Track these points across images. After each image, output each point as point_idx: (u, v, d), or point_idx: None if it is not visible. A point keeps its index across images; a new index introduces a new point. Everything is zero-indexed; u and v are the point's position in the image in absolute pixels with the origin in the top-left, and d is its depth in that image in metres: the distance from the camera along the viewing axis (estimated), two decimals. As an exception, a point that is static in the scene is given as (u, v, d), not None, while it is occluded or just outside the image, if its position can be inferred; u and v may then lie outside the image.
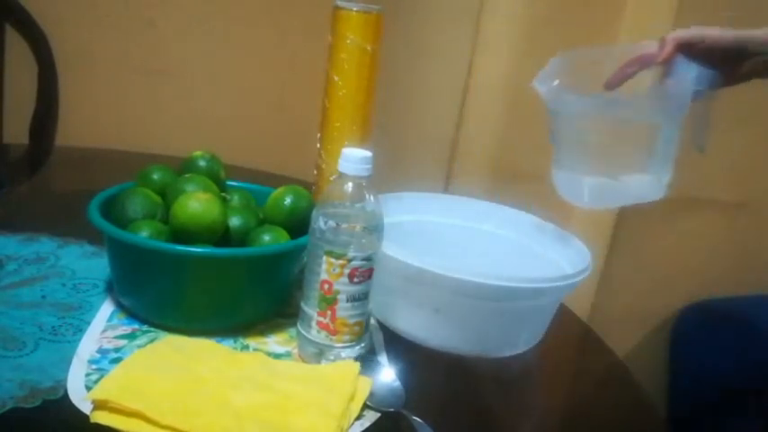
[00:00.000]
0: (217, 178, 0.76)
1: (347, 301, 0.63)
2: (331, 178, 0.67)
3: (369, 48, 0.80)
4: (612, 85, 0.74)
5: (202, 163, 0.77)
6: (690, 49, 0.70)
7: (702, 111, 0.71)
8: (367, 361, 0.65)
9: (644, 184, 0.74)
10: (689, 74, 0.69)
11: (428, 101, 1.23)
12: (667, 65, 0.71)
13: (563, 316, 0.82)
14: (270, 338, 0.69)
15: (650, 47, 0.72)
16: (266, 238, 0.70)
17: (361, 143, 0.80)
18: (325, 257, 0.61)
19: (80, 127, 1.29)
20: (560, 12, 1.11)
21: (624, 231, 1.23)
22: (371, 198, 0.62)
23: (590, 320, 1.20)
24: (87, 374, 0.58)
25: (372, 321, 0.73)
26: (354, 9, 0.79)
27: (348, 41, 0.80)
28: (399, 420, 0.59)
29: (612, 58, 0.74)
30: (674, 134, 0.71)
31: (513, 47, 1.12)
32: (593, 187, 0.75)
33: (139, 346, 0.63)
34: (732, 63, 0.71)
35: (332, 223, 0.61)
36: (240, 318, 0.70)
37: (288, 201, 0.73)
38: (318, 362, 0.65)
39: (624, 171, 0.75)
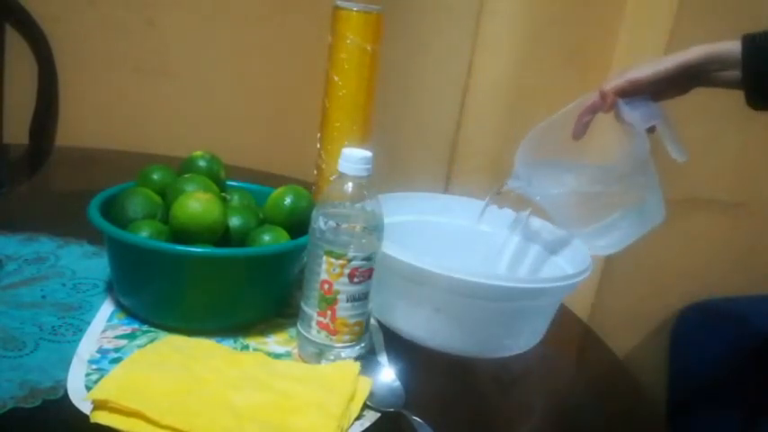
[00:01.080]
0: (217, 178, 0.76)
1: (347, 301, 0.63)
2: (331, 178, 0.67)
3: (369, 48, 0.81)
4: (579, 134, 0.80)
5: (202, 163, 0.77)
6: (629, 92, 0.76)
7: (663, 128, 0.76)
8: (367, 361, 0.65)
9: (644, 211, 0.78)
10: (635, 116, 0.75)
11: (428, 101, 1.23)
12: (614, 110, 0.77)
13: (563, 316, 0.82)
14: (270, 338, 0.69)
15: (595, 97, 0.78)
16: (266, 238, 0.70)
17: (361, 143, 0.80)
18: (325, 257, 0.61)
19: (80, 127, 1.29)
20: (560, 12, 1.11)
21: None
22: (371, 198, 0.62)
23: (590, 320, 1.20)
24: (87, 374, 0.58)
25: (372, 321, 0.73)
26: (354, 9, 0.79)
27: (348, 41, 0.80)
28: (399, 420, 0.59)
29: (568, 118, 0.80)
30: (651, 175, 0.76)
31: (513, 47, 1.12)
32: (599, 236, 0.79)
33: (139, 346, 0.63)
34: (674, 86, 0.76)
35: (332, 223, 0.61)
36: (240, 318, 0.70)
37: (288, 201, 0.73)
38: (318, 362, 0.65)
39: (619, 208, 0.79)
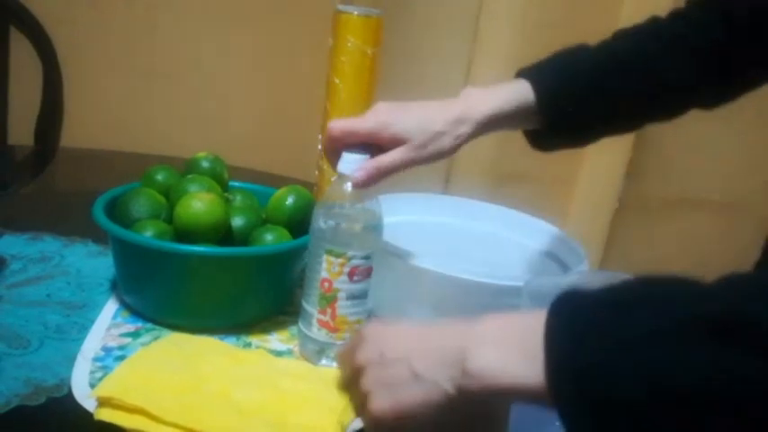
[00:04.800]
0: (220, 179, 0.77)
1: (347, 298, 0.63)
2: (332, 179, 0.68)
3: (369, 51, 0.81)
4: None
5: (206, 164, 0.78)
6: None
7: None
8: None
9: None
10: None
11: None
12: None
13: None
14: (272, 336, 0.70)
15: None
16: (268, 237, 0.71)
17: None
18: (325, 256, 0.62)
19: (85, 128, 1.30)
20: (558, 14, 1.12)
21: (620, 231, 1.23)
22: (371, 198, 0.63)
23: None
24: (91, 372, 0.59)
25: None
26: (355, 13, 0.80)
27: (349, 45, 0.81)
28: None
29: None
30: None
31: (512, 50, 1.12)
32: None
33: (143, 344, 0.64)
34: None
35: (332, 223, 0.62)
36: (243, 316, 0.71)
37: (289, 201, 0.74)
38: (319, 359, 0.65)
39: None
